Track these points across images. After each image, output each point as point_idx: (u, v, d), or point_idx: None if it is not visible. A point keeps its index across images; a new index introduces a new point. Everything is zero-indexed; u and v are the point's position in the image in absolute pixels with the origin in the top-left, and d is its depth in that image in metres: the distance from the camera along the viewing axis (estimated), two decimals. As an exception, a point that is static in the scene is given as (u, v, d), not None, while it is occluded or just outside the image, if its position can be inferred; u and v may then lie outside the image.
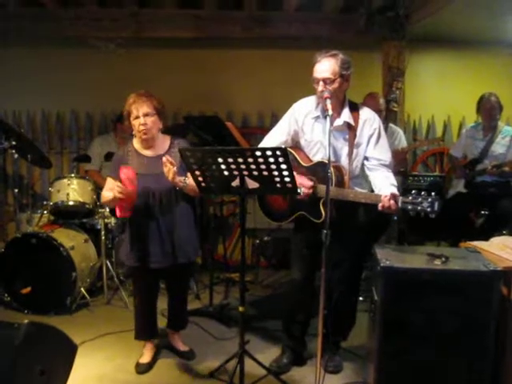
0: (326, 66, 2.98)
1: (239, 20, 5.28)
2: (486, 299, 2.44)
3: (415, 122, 6.09)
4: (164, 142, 3.31)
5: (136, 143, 3.32)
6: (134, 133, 3.27)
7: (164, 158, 3.00)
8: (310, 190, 3.04)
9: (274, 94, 5.53)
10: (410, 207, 2.69)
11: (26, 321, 2.45)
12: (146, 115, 3.16)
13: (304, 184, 3.03)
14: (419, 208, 2.66)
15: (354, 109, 3.16)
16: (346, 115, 3.10)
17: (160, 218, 3.21)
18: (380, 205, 2.81)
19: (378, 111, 3.47)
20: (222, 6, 5.28)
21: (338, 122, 3.08)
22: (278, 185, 2.72)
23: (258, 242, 5.55)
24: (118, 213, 3.20)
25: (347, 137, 3.11)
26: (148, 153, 3.28)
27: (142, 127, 3.15)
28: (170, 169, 2.98)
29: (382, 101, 4.60)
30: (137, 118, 3.16)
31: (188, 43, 5.55)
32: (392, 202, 2.76)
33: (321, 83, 2.97)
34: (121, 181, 3.09)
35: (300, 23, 5.29)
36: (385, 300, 2.53)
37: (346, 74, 3.02)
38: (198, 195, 3.26)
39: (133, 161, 3.25)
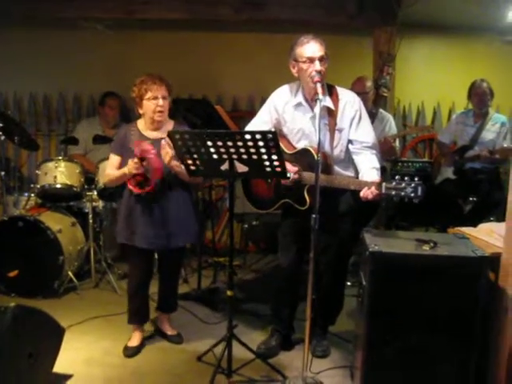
0: (317, 45, 2.95)
1: (230, 2, 5.20)
2: (474, 285, 2.45)
3: (405, 108, 6.08)
4: (168, 126, 3.33)
5: (141, 124, 3.34)
6: (142, 113, 3.28)
7: (163, 141, 3.05)
8: (296, 175, 3.02)
9: (264, 78, 5.47)
10: (393, 193, 2.68)
11: (12, 304, 2.44)
12: (164, 98, 3.22)
13: (289, 169, 2.96)
14: (402, 194, 2.64)
15: (333, 92, 3.13)
16: (325, 99, 3.05)
17: (153, 200, 3.23)
18: (362, 197, 2.81)
19: (362, 93, 3.40)
20: (213, -13, 5.20)
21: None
22: (268, 169, 2.70)
23: (246, 226, 5.54)
24: (134, 189, 3.18)
25: (327, 122, 3.08)
26: (151, 134, 3.30)
27: (159, 108, 3.21)
28: (167, 152, 3.02)
29: (369, 84, 4.56)
30: (155, 98, 3.20)
31: (178, 25, 5.48)
32: (369, 191, 2.76)
33: (317, 62, 2.92)
34: (136, 156, 3.10)
35: (291, 7, 5.21)
36: (373, 285, 2.54)
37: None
38: (191, 181, 3.28)
39: (134, 140, 3.26)
